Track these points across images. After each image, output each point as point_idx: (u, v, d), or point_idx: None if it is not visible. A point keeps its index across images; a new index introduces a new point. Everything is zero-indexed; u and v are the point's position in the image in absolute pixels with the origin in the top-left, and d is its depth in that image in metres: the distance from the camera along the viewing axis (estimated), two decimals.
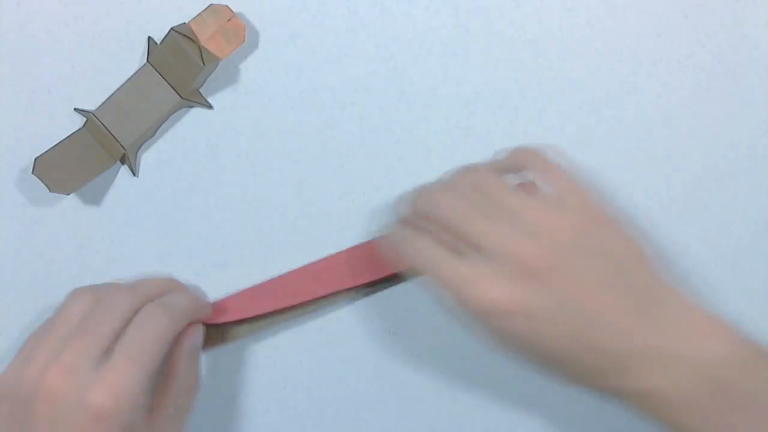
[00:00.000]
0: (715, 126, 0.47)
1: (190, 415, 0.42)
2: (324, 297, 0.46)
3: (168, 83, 0.46)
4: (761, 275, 0.47)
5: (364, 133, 0.47)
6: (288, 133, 0.47)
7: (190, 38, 0.45)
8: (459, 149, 0.47)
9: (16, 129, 0.47)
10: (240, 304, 0.45)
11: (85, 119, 0.46)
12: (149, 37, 0.46)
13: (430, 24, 0.47)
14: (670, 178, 0.47)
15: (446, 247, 0.39)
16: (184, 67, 0.45)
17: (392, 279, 0.46)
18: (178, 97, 0.46)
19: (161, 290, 0.43)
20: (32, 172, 0.45)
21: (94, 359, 0.38)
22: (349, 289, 0.46)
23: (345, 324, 0.47)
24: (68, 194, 0.46)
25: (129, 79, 0.46)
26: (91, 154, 0.45)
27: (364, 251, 0.46)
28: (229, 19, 0.45)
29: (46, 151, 0.45)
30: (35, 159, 0.45)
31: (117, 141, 0.45)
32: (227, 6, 0.45)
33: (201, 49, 0.45)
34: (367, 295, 0.47)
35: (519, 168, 0.42)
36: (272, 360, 0.47)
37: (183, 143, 0.47)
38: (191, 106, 0.47)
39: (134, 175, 0.47)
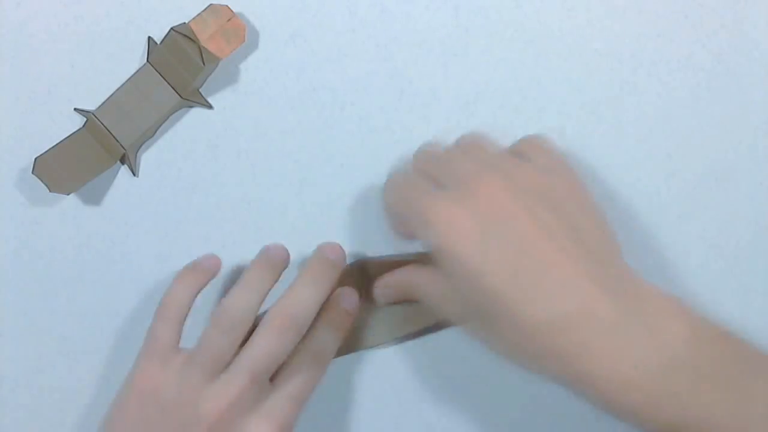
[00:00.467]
0: (715, 126, 0.47)
1: None
2: None
3: (168, 83, 0.46)
4: (761, 275, 0.47)
5: (364, 133, 0.47)
6: (288, 133, 0.47)
7: (190, 38, 0.45)
8: None
9: (16, 129, 0.47)
10: None
11: (85, 119, 0.46)
12: (149, 37, 0.46)
13: (430, 24, 0.47)
14: (670, 178, 0.47)
15: (426, 184, 0.40)
16: (184, 67, 0.45)
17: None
18: (178, 97, 0.46)
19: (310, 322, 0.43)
20: (32, 172, 0.45)
21: (258, 399, 0.40)
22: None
23: None
24: (68, 194, 0.46)
25: (129, 79, 0.46)
26: (91, 154, 0.45)
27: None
28: (229, 19, 0.45)
29: (46, 151, 0.45)
30: (35, 159, 0.45)
31: (117, 141, 0.45)
32: (227, 6, 0.45)
33: (201, 49, 0.45)
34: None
35: (518, 153, 0.43)
36: None
37: (183, 143, 0.47)
38: (191, 106, 0.47)
39: (134, 175, 0.47)
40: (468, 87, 0.47)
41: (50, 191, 0.45)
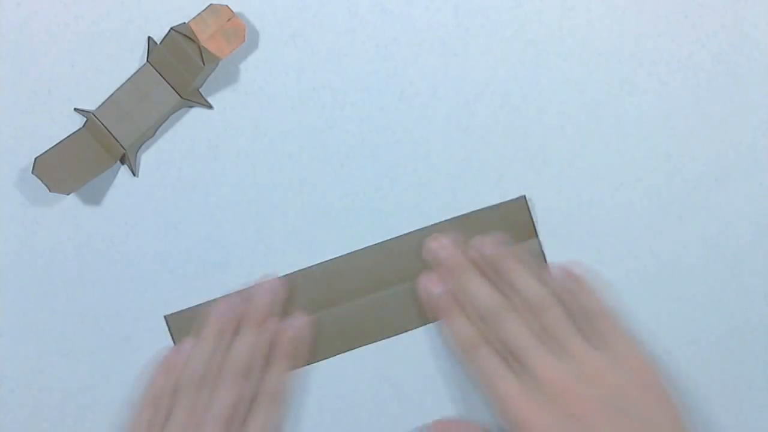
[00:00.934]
0: (715, 126, 0.47)
1: None
2: None
3: (168, 83, 0.46)
4: (761, 275, 0.47)
5: (364, 133, 0.47)
6: (288, 133, 0.47)
7: (190, 38, 0.45)
8: (459, 149, 0.47)
9: (16, 129, 0.47)
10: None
11: (85, 119, 0.46)
12: (149, 37, 0.46)
13: (430, 24, 0.47)
14: (670, 178, 0.47)
15: (505, 362, 0.43)
16: (184, 67, 0.45)
17: None
18: (178, 97, 0.46)
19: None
20: (32, 172, 0.45)
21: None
22: None
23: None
24: (68, 194, 0.46)
25: (129, 79, 0.46)
26: (91, 154, 0.45)
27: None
28: (229, 19, 0.45)
29: (46, 151, 0.45)
30: (35, 159, 0.45)
31: (117, 141, 0.45)
32: (227, 6, 0.45)
33: (201, 49, 0.45)
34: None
35: (579, 307, 0.45)
36: None
37: (183, 143, 0.47)
38: (191, 106, 0.47)
39: (134, 175, 0.47)
40: (468, 87, 0.47)
41: (50, 191, 0.45)
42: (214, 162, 0.47)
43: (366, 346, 0.47)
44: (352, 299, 0.46)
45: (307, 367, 0.47)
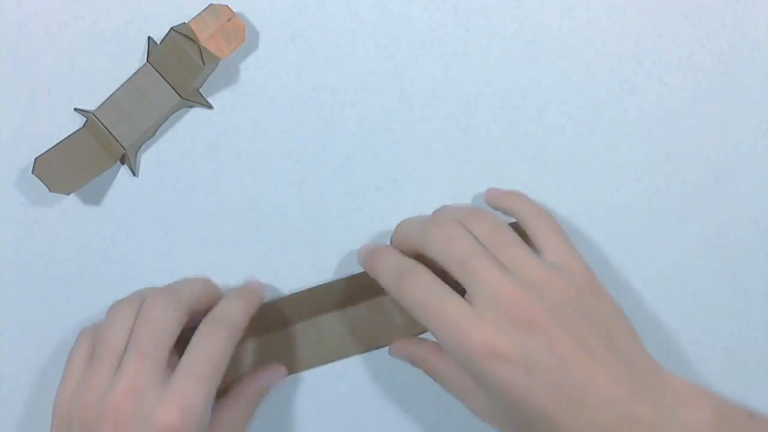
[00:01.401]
0: (715, 126, 0.47)
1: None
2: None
3: (168, 83, 0.46)
4: (761, 275, 0.47)
5: (364, 133, 0.47)
6: (288, 133, 0.47)
7: (190, 38, 0.45)
8: (459, 149, 0.47)
9: (16, 129, 0.47)
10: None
11: (85, 119, 0.46)
12: (149, 37, 0.46)
13: (430, 24, 0.47)
14: (670, 178, 0.47)
15: (447, 287, 0.39)
16: (184, 67, 0.45)
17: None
18: (178, 97, 0.46)
19: (200, 295, 0.43)
20: (32, 172, 0.45)
21: (157, 379, 0.38)
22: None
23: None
24: (68, 194, 0.46)
25: (129, 79, 0.46)
26: (91, 154, 0.45)
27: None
28: (229, 19, 0.45)
29: (46, 151, 0.45)
30: (35, 159, 0.45)
31: (117, 141, 0.45)
32: (227, 6, 0.45)
33: (201, 49, 0.45)
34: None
35: (518, 220, 0.43)
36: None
37: (183, 143, 0.47)
38: (191, 106, 0.47)
39: (134, 175, 0.47)
40: (468, 87, 0.47)
41: (50, 191, 0.45)
42: (214, 162, 0.47)
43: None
44: (329, 312, 0.46)
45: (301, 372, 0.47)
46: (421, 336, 0.46)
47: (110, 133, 0.45)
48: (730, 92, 0.47)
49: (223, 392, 0.44)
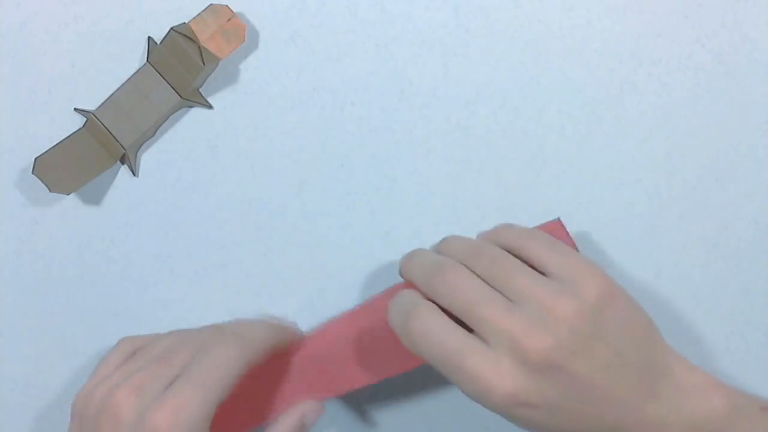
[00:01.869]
0: (715, 126, 0.47)
1: None
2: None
3: (168, 83, 0.46)
4: (761, 275, 0.47)
5: (364, 133, 0.47)
6: (288, 133, 0.47)
7: (190, 38, 0.45)
8: (459, 149, 0.47)
9: (16, 129, 0.47)
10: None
11: (85, 119, 0.46)
12: (149, 37, 0.46)
13: (430, 24, 0.47)
14: (670, 178, 0.47)
15: (461, 332, 0.38)
16: (184, 67, 0.45)
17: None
18: (178, 97, 0.46)
19: (256, 334, 0.42)
20: (32, 172, 0.45)
21: (164, 383, 0.38)
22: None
23: None
24: (68, 194, 0.46)
25: (129, 79, 0.46)
26: (91, 154, 0.45)
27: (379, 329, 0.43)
28: (229, 19, 0.45)
29: (46, 151, 0.45)
30: (35, 159, 0.45)
31: (117, 141, 0.45)
32: (227, 6, 0.45)
33: (201, 49, 0.45)
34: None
35: (519, 251, 0.41)
36: None
37: (183, 143, 0.47)
38: (191, 106, 0.47)
39: (134, 175, 0.47)
40: (468, 87, 0.47)
41: (50, 191, 0.45)
42: (214, 162, 0.47)
43: None
44: None
45: None
46: None
47: (110, 133, 0.45)
48: (730, 92, 0.47)
49: None
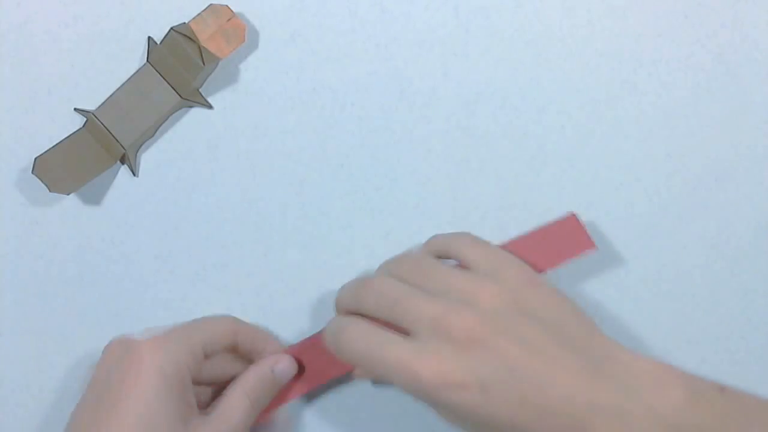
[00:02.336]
0: (715, 126, 0.47)
1: None
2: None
3: (168, 83, 0.46)
4: (761, 275, 0.47)
5: (364, 133, 0.47)
6: (288, 133, 0.47)
7: (190, 38, 0.45)
8: (459, 149, 0.47)
9: (16, 129, 0.47)
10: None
11: (85, 119, 0.46)
12: (149, 37, 0.46)
13: (430, 24, 0.47)
14: (670, 178, 0.47)
15: (384, 330, 0.38)
16: (184, 67, 0.45)
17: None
18: (178, 97, 0.46)
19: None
20: (32, 172, 0.45)
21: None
22: None
23: None
24: (68, 194, 0.46)
25: (129, 79, 0.46)
26: (91, 154, 0.45)
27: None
28: (229, 19, 0.45)
29: (46, 151, 0.45)
30: (35, 159, 0.45)
31: (117, 141, 0.45)
32: (227, 6, 0.45)
33: (201, 49, 0.45)
34: None
35: (447, 253, 0.42)
36: None
37: (183, 143, 0.47)
38: (191, 106, 0.47)
39: (134, 175, 0.47)
40: (468, 87, 0.47)
41: (50, 191, 0.45)
42: (214, 162, 0.47)
43: None
44: None
45: None
46: None
47: (110, 133, 0.45)
48: (730, 92, 0.47)
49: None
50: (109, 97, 0.46)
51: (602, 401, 0.36)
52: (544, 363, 0.36)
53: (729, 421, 0.36)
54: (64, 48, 0.47)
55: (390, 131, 0.47)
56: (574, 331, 0.38)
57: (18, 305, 0.47)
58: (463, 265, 0.41)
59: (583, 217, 0.47)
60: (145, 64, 0.46)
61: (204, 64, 0.45)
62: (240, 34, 0.45)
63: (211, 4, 0.45)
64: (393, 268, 0.42)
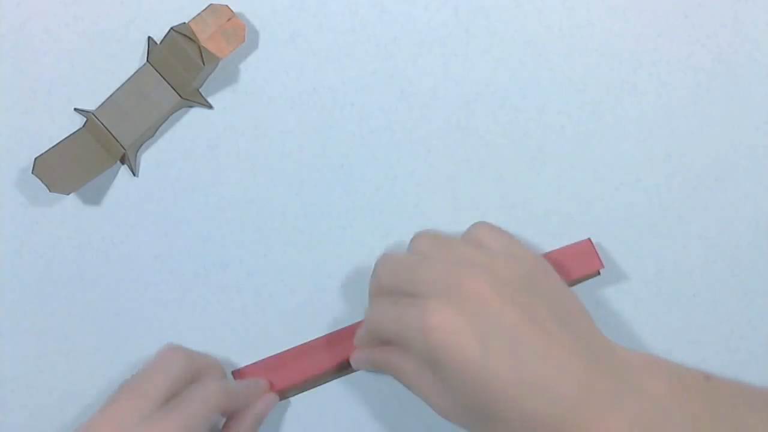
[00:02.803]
0: (715, 126, 0.47)
1: None
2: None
3: (168, 83, 0.46)
4: (761, 275, 0.47)
5: (364, 133, 0.47)
6: (288, 133, 0.47)
7: (190, 38, 0.45)
8: (459, 149, 0.47)
9: (16, 129, 0.47)
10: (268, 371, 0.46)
11: (85, 119, 0.46)
12: (149, 37, 0.46)
13: (430, 24, 0.47)
14: (670, 178, 0.47)
15: (406, 300, 0.39)
16: (184, 67, 0.45)
17: None
18: (178, 97, 0.46)
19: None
20: (32, 172, 0.45)
21: (143, 415, 0.40)
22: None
23: None
24: (68, 194, 0.46)
25: (129, 79, 0.46)
26: (91, 154, 0.45)
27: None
28: (229, 19, 0.45)
29: (46, 151, 0.45)
30: (35, 159, 0.45)
31: (117, 141, 0.45)
32: (227, 6, 0.45)
33: (201, 49, 0.45)
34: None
35: (465, 236, 0.43)
36: None
37: (183, 143, 0.47)
38: (191, 106, 0.47)
39: (134, 175, 0.47)
40: (468, 87, 0.47)
41: (50, 191, 0.45)
42: (214, 162, 0.47)
43: None
44: None
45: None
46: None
47: (110, 133, 0.45)
48: (730, 92, 0.47)
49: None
50: (109, 97, 0.46)
51: (597, 383, 0.36)
52: (544, 336, 0.37)
53: (716, 406, 0.37)
54: (64, 48, 0.47)
55: (390, 131, 0.47)
56: (577, 319, 0.39)
57: (18, 305, 0.47)
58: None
59: (584, 218, 0.47)
60: (145, 64, 0.46)
61: (204, 64, 0.45)
62: (240, 34, 0.45)
63: (211, 4, 0.45)
64: (413, 244, 0.43)
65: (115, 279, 0.47)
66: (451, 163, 0.47)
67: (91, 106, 0.46)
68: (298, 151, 0.47)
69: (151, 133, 0.46)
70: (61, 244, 0.47)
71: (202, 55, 0.45)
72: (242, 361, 0.46)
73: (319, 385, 0.46)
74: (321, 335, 0.46)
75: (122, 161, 0.47)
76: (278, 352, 0.46)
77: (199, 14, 0.45)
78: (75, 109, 0.46)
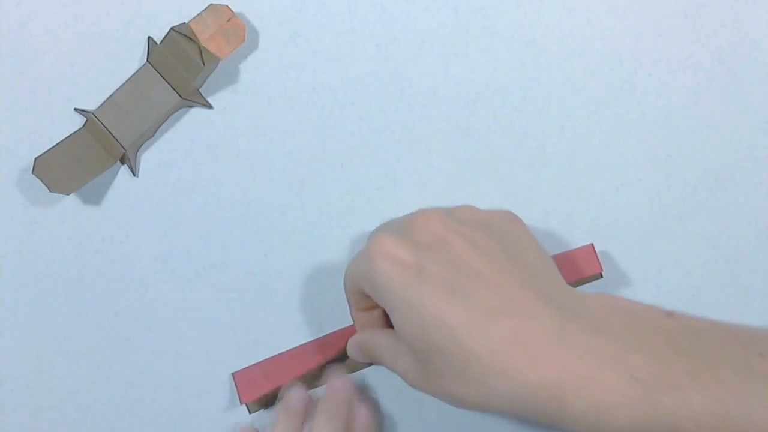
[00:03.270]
0: (715, 126, 0.47)
1: None
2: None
3: (168, 83, 0.46)
4: (761, 275, 0.47)
5: (364, 133, 0.47)
6: (288, 133, 0.47)
7: (190, 38, 0.45)
8: (459, 149, 0.47)
9: (16, 129, 0.47)
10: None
11: (85, 119, 0.46)
12: (149, 37, 0.46)
13: (430, 24, 0.47)
14: (670, 178, 0.47)
15: None
16: (184, 67, 0.45)
17: None
18: (178, 97, 0.46)
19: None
20: (32, 172, 0.45)
21: None
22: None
23: None
24: (68, 194, 0.46)
25: (129, 79, 0.46)
26: (91, 154, 0.45)
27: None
28: (229, 19, 0.45)
29: (46, 151, 0.45)
30: (35, 159, 0.45)
31: (117, 141, 0.45)
32: (227, 6, 0.45)
33: (201, 49, 0.45)
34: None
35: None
36: None
37: (183, 143, 0.47)
38: (191, 106, 0.47)
39: (134, 175, 0.47)
40: (468, 87, 0.47)
41: (50, 191, 0.45)
42: (214, 162, 0.47)
43: None
44: None
45: None
46: None
47: (110, 133, 0.45)
48: (730, 92, 0.47)
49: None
50: (109, 97, 0.46)
51: (543, 316, 0.35)
52: (489, 266, 0.36)
53: (678, 340, 0.35)
54: (64, 48, 0.47)
55: (390, 131, 0.47)
56: (535, 263, 0.38)
57: (18, 305, 0.47)
58: None
59: (583, 218, 0.47)
60: (145, 64, 0.46)
61: (204, 64, 0.45)
62: (240, 34, 0.45)
63: (211, 4, 0.45)
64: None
65: (115, 279, 0.47)
66: (451, 163, 0.47)
67: (91, 106, 0.46)
68: (298, 151, 0.47)
69: (151, 133, 0.46)
70: (61, 244, 0.47)
71: (202, 55, 0.45)
72: (242, 361, 0.46)
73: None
74: (321, 335, 0.47)
75: (122, 161, 0.47)
76: (278, 352, 0.46)
77: (199, 14, 0.45)
78: (75, 109, 0.46)
